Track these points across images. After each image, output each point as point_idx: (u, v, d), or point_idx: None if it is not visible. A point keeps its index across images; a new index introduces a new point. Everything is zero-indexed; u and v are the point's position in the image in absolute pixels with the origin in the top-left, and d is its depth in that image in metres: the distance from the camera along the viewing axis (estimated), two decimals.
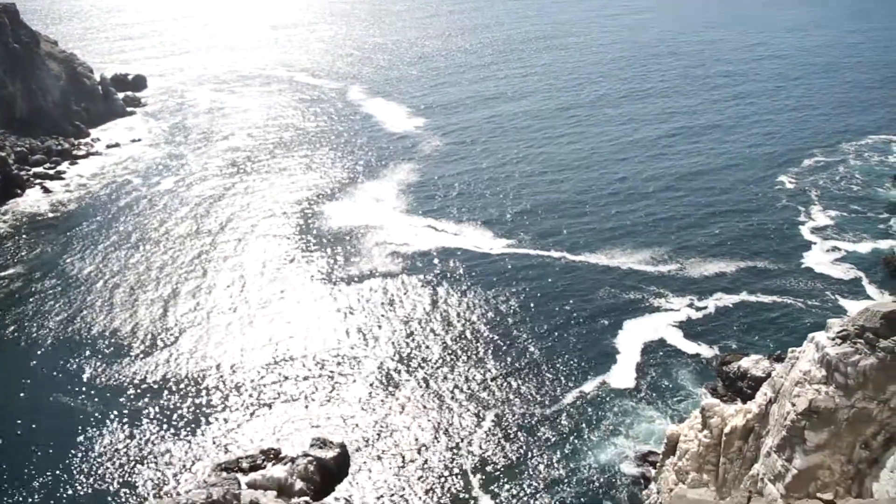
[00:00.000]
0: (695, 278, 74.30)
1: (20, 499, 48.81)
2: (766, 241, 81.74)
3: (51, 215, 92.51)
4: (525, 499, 48.30)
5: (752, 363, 56.42)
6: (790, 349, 40.18)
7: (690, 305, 69.65)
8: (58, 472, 50.93)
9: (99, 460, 52.00)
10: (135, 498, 48.58)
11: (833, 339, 35.65)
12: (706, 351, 62.81)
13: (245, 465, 50.18)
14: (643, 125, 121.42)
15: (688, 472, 42.72)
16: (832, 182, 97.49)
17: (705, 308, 69.18)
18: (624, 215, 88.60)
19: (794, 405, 35.67)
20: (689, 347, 63.41)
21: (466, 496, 48.60)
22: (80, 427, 55.20)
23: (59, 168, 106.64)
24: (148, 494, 48.75)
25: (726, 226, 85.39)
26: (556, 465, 51.12)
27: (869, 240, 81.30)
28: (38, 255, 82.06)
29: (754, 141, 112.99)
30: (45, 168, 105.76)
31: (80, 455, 52.49)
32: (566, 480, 49.76)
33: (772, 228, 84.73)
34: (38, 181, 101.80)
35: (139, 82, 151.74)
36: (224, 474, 46.34)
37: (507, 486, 49.33)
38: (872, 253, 78.44)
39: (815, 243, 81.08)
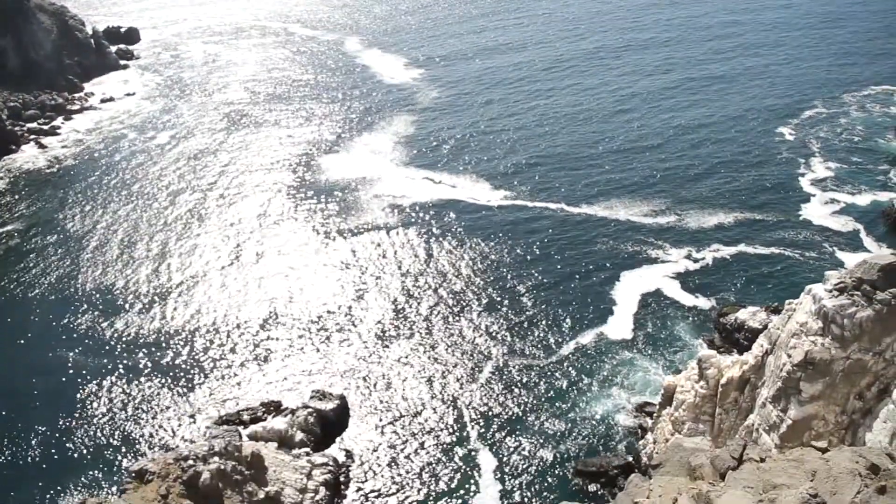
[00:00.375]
0: (693, 230, 74.17)
1: (20, 454, 49.45)
2: (766, 194, 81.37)
3: (48, 171, 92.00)
4: (523, 449, 48.93)
5: (749, 315, 56.67)
6: (787, 301, 40.33)
7: (688, 257, 69.67)
8: (58, 427, 51.48)
9: (99, 415, 52.54)
10: (137, 451, 49.22)
11: (830, 292, 35.75)
12: (703, 303, 63.02)
13: (246, 417, 50.77)
14: (644, 77, 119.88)
15: (684, 423, 43.25)
16: (833, 134, 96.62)
17: (703, 260, 69.23)
18: (623, 168, 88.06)
19: (790, 357, 35.91)
20: (687, 299, 63.61)
21: (465, 447, 49.22)
22: (79, 382, 55.68)
23: (53, 123, 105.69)
24: (150, 448, 49.38)
25: (725, 178, 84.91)
26: (553, 416, 51.66)
27: (868, 192, 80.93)
28: (35, 211, 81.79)
29: (755, 93, 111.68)
30: (39, 123, 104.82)
31: (80, 410, 53.02)
32: (564, 431, 50.33)
33: (771, 181, 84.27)
34: (32, 137, 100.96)
35: (132, 35, 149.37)
36: (225, 427, 46.80)
37: (504, 438, 49.93)
38: (872, 205, 78.13)
39: (814, 195, 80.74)
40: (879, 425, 32.72)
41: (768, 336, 39.91)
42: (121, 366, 57.29)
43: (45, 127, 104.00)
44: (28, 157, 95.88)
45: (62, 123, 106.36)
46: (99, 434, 50.77)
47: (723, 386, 41.51)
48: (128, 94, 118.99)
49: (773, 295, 62.74)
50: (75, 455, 49.19)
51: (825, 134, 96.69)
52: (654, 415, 47.98)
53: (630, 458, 47.11)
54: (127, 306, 64.66)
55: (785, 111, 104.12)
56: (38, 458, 48.94)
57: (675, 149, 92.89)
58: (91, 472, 47.71)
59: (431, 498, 45.53)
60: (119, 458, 48.78)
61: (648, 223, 75.84)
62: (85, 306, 64.70)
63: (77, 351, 59.06)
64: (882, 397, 33.79)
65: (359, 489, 46.31)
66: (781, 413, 35.89)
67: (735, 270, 67.55)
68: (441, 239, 73.83)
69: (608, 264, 68.94)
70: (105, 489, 46.25)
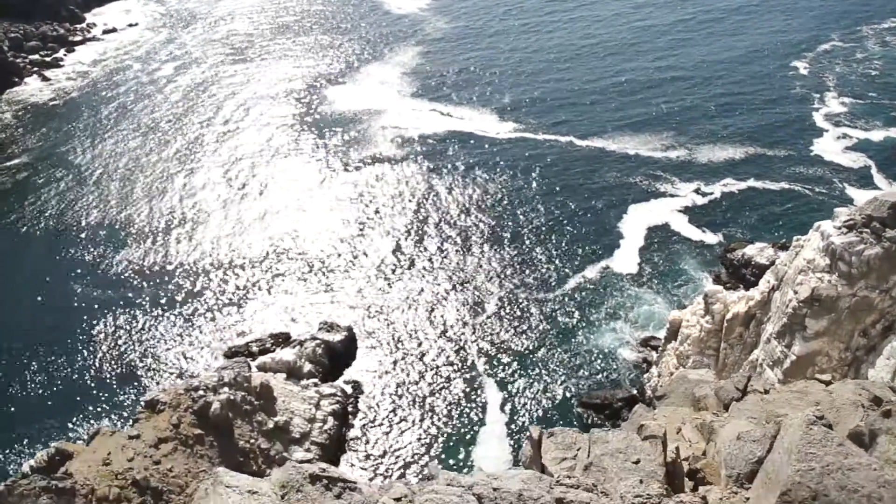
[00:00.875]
0: (703, 165, 73.30)
1: (31, 388, 50.33)
2: (777, 129, 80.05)
3: (52, 103, 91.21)
4: (527, 382, 49.58)
5: (757, 251, 56.56)
6: (795, 237, 40.15)
7: (697, 192, 69.07)
8: (68, 359, 52.26)
9: (108, 347, 53.28)
10: (147, 383, 50.09)
11: (839, 228, 35.51)
12: (711, 238, 62.79)
13: (254, 348, 51.45)
14: (658, 9, 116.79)
15: (689, 357, 43.63)
16: (849, 69, 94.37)
17: (712, 195, 68.62)
18: (634, 102, 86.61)
19: (796, 293, 35.93)
20: (694, 234, 63.36)
21: (470, 379, 49.90)
22: (87, 315, 56.27)
23: (56, 55, 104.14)
24: (161, 378, 50.23)
25: (737, 112, 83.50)
26: (558, 350, 52.15)
27: (882, 128, 79.41)
28: (42, 144, 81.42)
29: (772, 26, 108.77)
30: (41, 55, 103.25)
31: (89, 342, 53.76)
32: (569, 365, 50.88)
33: (784, 116, 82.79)
34: (35, 69, 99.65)
35: None
36: (234, 358, 47.47)
37: (509, 371, 50.55)
38: (885, 141, 76.84)
39: (826, 131, 79.40)
40: (882, 362, 32.95)
41: (775, 272, 39.89)
42: (129, 299, 57.81)
43: (48, 59, 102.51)
44: (32, 89, 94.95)
45: (65, 55, 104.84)
46: (109, 366, 51.58)
47: (728, 321, 41.72)
48: (130, 25, 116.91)
49: (781, 231, 62.42)
50: (86, 386, 50.06)
51: (841, 68, 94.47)
52: (659, 349, 48.41)
53: (634, 391, 47.74)
54: (134, 239, 64.91)
55: (801, 45, 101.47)
56: (49, 391, 49.82)
57: (688, 83, 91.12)
58: (102, 404, 48.68)
59: (437, 428, 46.43)
60: (129, 389, 49.67)
61: (658, 157, 75.04)
62: (92, 239, 64.99)
63: (84, 283, 59.55)
64: (886, 334, 33.94)
65: (366, 419, 47.22)
66: (786, 349, 36.13)
67: (744, 206, 67.05)
68: (448, 172, 73.38)
69: (616, 198, 68.49)
70: (116, 420, 47.24)
